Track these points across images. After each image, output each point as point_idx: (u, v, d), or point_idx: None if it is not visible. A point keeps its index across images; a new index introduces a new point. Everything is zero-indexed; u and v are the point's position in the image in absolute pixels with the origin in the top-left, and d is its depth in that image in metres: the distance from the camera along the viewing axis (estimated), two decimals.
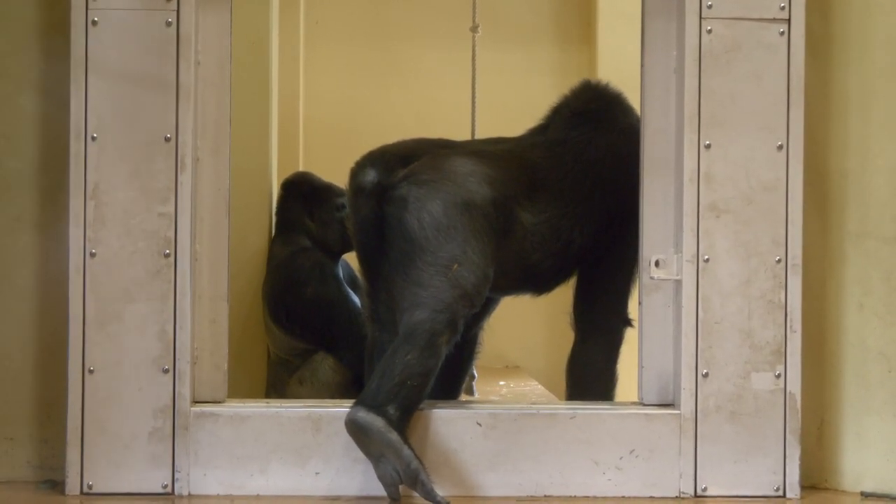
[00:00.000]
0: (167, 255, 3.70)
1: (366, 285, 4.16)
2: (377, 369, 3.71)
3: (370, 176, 4.02)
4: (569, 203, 4.18)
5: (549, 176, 4.19)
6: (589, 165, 4.25)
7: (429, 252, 3.81)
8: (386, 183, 4.00)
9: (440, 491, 3.60)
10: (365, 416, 3.59)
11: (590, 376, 4.34)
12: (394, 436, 3.56)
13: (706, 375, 3.73)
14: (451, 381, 4.36)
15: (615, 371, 4.36)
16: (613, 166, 4.24)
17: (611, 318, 4.32)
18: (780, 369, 3.74)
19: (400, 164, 4.05)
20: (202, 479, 3.72)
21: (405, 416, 3.63)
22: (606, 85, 4.48)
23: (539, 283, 4.35)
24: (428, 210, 3.86)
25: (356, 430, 3.60)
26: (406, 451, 3.55)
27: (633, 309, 4.18)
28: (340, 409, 3.74)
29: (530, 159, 4.22)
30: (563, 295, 4.45)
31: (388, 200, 3.97)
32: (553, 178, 4.19)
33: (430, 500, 3.55)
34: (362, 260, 4.13)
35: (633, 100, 4.34)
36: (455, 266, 3.78)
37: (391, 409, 3.59)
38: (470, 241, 3.84)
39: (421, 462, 3.56)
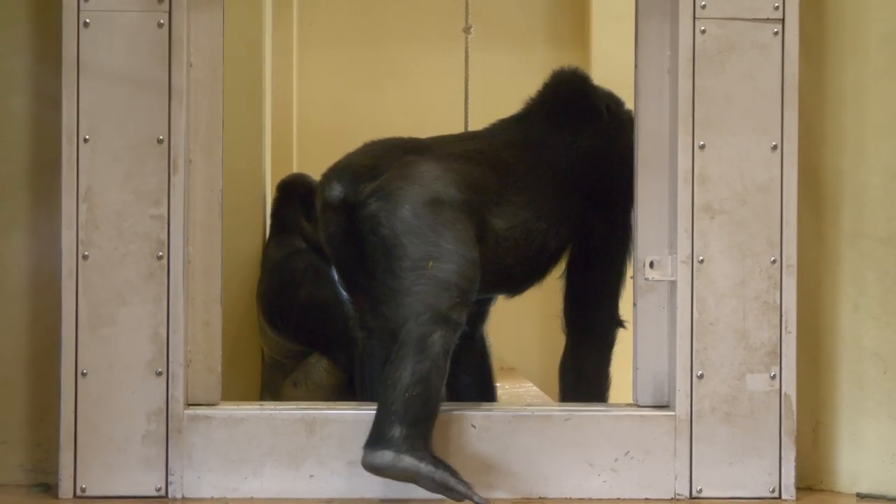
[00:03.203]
0: (160, 258, 3.69)
1: (347, 295, 4.13)
2: (379, 399, 3.63)
3: (336, 191, 3.99)
4: (542, 207, 4.15)
5: (522, 178, 4.15)
6: (564, 168, 4.22)
7: (405, 258, 3.76)
8: (353, 199, 3.96)
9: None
10: (373, 456, 3.52)
11: (583, 378, 4.33)
12: (406, 461, 3.49)
13: (701, 377, 3.72)
14: (479, 385, 4.30)
15: (608, 372, 4.34)
16: (591, 168, 4.21)
17: (602, 319, 4.31)
18: (775, 370, 3.73)
19: (367, 174, 3.99)
20: (196, 482, 3.71)
21: (415, 430, 3.53)
22: (583, 78, 4.44)
23: (512, 286, 4.32)
24: (399, 218, 3.81)
25: (375, 472, 3.55)
26: (424, 468, 3.49)
27: (625, 310, 4.17)
28: (335, 411, 3.74)
29: (503, 160, 4.18)
30: (558, 296, 4.44)
31: (359, 218, 3.93)
32: (526, 181, 4.16)
33: (471, 500, 3.50)
34: (338, 271, 4.11)
35: (627, 100, 4.33)
36: (430, 263, 3.72)
37: (396, 432, 3.52)
38: (442, 233, 3.78)
39: (445, 468, 3.50)
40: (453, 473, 3.52)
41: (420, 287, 3.71)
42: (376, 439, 3.54)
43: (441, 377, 3.64)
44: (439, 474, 3.49)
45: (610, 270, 4.26)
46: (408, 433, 3.52)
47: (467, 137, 4.33)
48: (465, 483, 3.51)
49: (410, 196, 3.84)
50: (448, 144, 4.27)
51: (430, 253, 3.75)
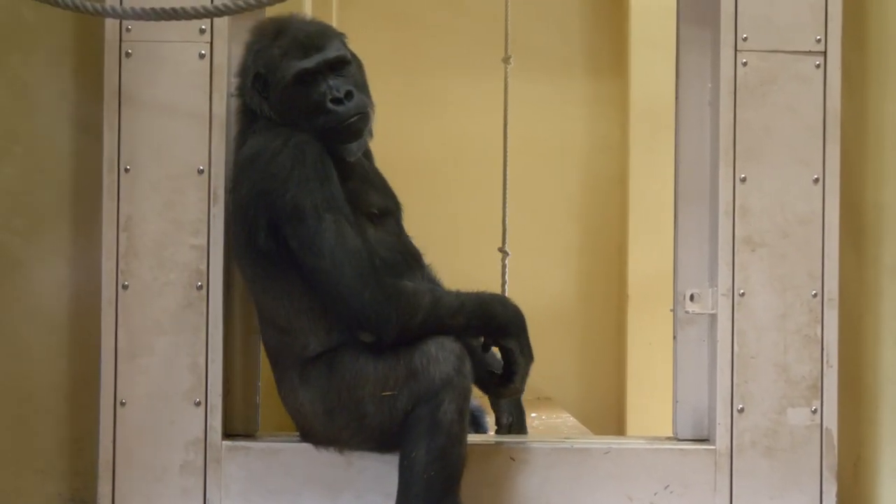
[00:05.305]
0: (199, 288, 3.69)
1: None
2: (398, 477, 3.48)
3: None
4: None
5: None
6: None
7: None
8: None
9: None
10: None
11: None
12: None
13: (742, 410, 3.70)
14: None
15: None
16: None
17: None
18: (816, 405, 3.70)
19: None
20: None
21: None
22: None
23: None
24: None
25: None
26: None
27: (665, 343, 4.13)
28: None
29: None
30: (596, 325, 4.42)
31: None
32: None
33: None
34: None
35: (668, 132, 4.30)
36: (384, 392, 3.49)
37: None
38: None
39: None
40: None
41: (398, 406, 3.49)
42: None
43: (460, 442, 3.43)
44: None
45: None
46: None
47: None
48: None
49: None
50: None
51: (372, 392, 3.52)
